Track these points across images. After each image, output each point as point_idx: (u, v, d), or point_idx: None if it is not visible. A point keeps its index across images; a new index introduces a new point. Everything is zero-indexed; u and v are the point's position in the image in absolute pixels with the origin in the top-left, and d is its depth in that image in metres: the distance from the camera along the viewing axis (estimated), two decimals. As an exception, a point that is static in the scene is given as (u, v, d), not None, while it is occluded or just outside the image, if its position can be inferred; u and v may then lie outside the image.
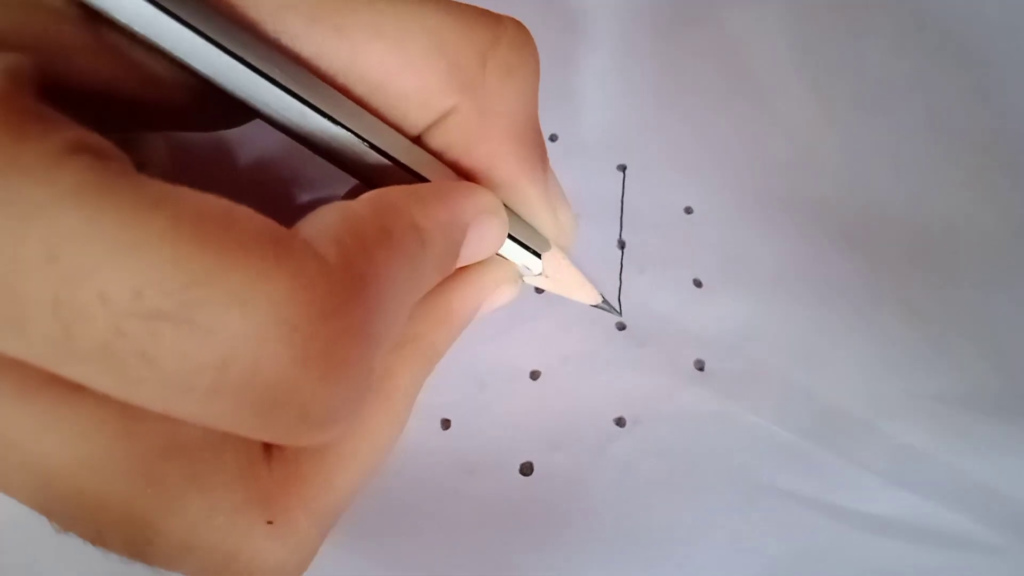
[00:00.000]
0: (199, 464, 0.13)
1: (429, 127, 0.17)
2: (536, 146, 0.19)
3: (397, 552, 0.20)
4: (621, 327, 0.23)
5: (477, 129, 0.17)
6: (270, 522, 0.14)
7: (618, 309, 0.23)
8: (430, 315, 0.18)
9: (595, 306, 0.22)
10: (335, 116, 0.15)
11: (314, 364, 0.11)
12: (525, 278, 0.20)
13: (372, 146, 0.15)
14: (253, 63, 0.14)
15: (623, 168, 0.25)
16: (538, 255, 0.19)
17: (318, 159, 0.16)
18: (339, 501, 0.15)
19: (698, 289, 0.23)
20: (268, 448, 0.14)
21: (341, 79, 0.16)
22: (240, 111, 0.15)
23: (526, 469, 0.21)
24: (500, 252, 0.19)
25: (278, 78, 0.14)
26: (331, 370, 0.12)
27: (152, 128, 0.12)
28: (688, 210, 0.24)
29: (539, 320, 0.23)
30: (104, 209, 0.10)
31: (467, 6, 0.17)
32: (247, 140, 0.22)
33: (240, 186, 0.21)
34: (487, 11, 0.17)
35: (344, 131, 0.15)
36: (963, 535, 0.20)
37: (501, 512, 0.21)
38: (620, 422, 0.21)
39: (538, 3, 0.27)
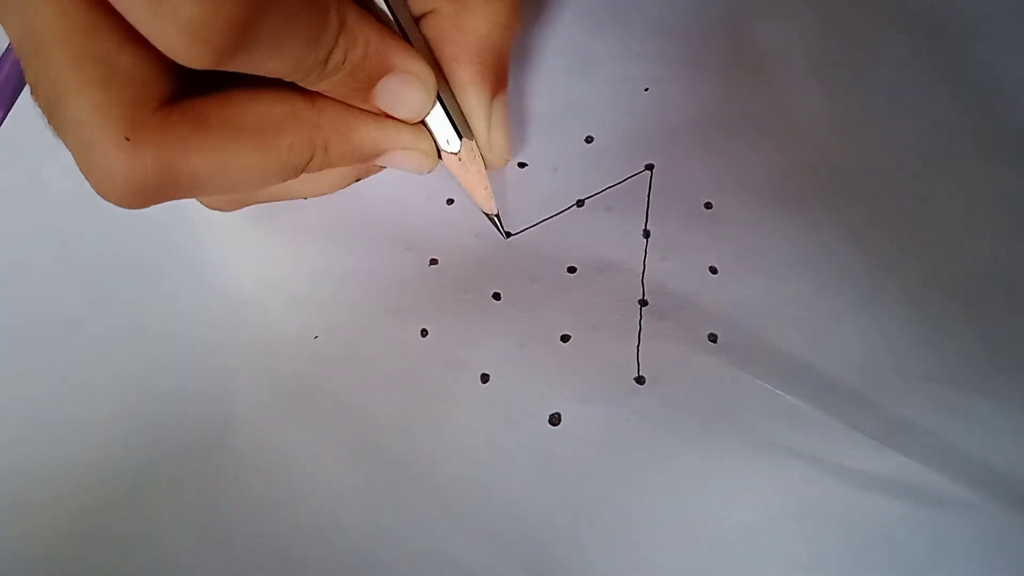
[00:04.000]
0: (118, 64, 0.17)
1: (419, 17, 0.22)
2: (492, 69, 0.23)
3: (444, 487, 0.23)
4: (644, 303, 0.26)
5: (447, 32, 0.22)
6: (128, 139, 0.18)
7: (503, 230, 0.27)
8: (340, 120, 0.21)
9: (487, 215, 0.26)
10: None
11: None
12: (443, 153, 0.23)
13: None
14: None
15: (651, 167, 0.28)
16: (460, 136, 0.23)
17: None
18: (182, 175, 0.19)
19: (714, 275, 0.26)
20: (171, 102, 0.18)
21: None
22: None
23: (555, 419, 0.24)
24: (428, 123, 0.22)
25: None
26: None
27: None
28: (708, 205, 0.27)
29: (574, 294, 0.26)
30: None
31: None
32: None
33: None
34: None
35: None
36: (942, 494, 0.22)
37: (531, 458, 0.24)
38: (640, 380, 0.24)
39: (577, 13, 0.31)
